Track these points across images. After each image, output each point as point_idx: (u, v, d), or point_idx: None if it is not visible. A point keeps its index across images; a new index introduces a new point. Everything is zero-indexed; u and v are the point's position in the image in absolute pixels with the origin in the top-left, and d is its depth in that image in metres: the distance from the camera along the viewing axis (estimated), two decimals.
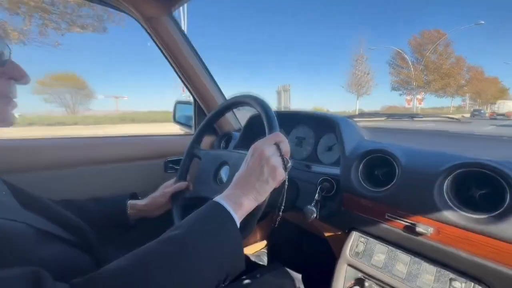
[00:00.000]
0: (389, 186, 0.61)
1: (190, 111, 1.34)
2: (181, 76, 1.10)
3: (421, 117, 0.86)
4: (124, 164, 1.05)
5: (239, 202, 0.44)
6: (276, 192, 0.50)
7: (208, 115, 0.77)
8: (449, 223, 0.50)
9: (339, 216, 0.72)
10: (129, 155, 1.07)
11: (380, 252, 0.62)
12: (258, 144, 0.48)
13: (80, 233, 0.50)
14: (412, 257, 0.57)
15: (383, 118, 1.00)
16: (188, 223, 0.41)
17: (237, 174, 0.48)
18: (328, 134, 0.89)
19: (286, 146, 0.49)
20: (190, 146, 0.78)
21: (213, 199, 0.45)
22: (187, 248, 0.37)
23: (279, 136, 0.49)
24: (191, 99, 1.27)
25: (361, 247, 0.65)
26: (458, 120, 0.80)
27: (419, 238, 0.55)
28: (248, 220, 0.48)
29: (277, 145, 0.48)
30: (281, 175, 0.47)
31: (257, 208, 0.48)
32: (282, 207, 0.52)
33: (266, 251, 1.27)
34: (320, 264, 0.86)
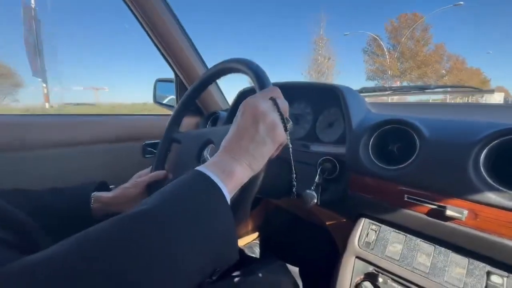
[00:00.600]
0: (409, 162, 0.50)
1: (172, 90, 1.19)
2: (158, 44, 0.95)
3: (433, 89, 0.75)
4: (95, 146, 0.91)
5: (229, 170, 0.33)
6: (275, 173, 0.39)
7: (188, 89, 0.64)
8: (491, 205, 0.40)
9: (344, 201, 0.61)
10: (100, 136, 0.92)
11: (397, 242, 0.51)
12: (249, 100, 0.37)
13: (22, 231, 0.37)
14: (437, 246, 0.47)
15: (387, 92, 0.90)
16: (158, 199, 0.29)
17: (225, 138, 0.37)
18: (328, 109, 0.78)
19: (284, 103, 0.38)
20: (167, 129, 0.66)
21: (195, 168, 0.33)
22: (156, 226, 0.26)
23: (274, 90, 0.39)
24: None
25: (372, 236, 0.54)
26: (478, 90, 0.70)
27: (448, 223, 0.44)
28: (242, 198, 0.37)
29: (274, 101, 0.37)
30: (281, 135, 0.36)
31: (253, 180, 0.37)
32: (294, 184, 0.44)
33: (258, 242, 1.17)
34: (320, 256, 0.76)
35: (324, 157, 0.66)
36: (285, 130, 0.37)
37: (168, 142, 0.66)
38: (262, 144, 0.35)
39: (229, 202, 0.31)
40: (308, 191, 0.62)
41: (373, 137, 0.57)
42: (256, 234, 1.20)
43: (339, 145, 0.68)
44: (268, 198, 0.86)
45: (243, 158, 0.34)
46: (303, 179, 0.68)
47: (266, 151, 0.35)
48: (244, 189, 0.36)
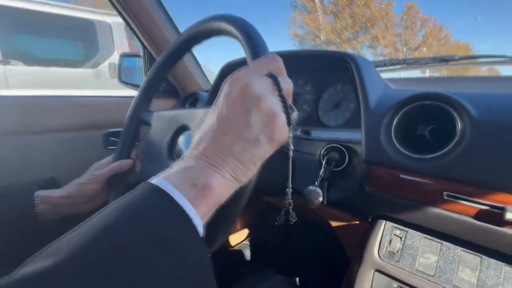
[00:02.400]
0: (447, 149, 0.39)
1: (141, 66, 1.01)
2: (119, 8, 0.76)
3: (458, 60, 0.64)
4: (44, 136, 0.73)
5: (204, 184, 0.22)
6: (269, 166, 0.28)
7: (157, 60, 0.50)
8: None
9: (358, 198, 0.49)
10: (50, 124, 0.74)
11: (430, 251, 0.41)
12: (238, 75, 0.25)
13: None
14: (485, 257, 0.37)
15: (399, 66, 0.78)
16: (83, 245, 0.18)
17: (200, 131, 0.26)
18: (334, 85, 0.65)
19: (287, 83, 0.26)
20: (134, 107, 0.52)
21: (149, 180, 0.23)
22: None
23: (274, 61, 0.27)
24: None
25: (396, 244, 0.43)
26: None
27: (506, 229, 0.34)
28: (220, 221, 0.27)
29: (274, 78, 0.25)
30: (283, 131, 0.24)
31: (239, 194, 0.26)
32: (290, 191, 0.32)
33: (248, 243, 1.05)
34: (324, 264, 0.66)
35: (329, 145, 0.54)
36: (288, 123, 0.25)
37: (134, 123, 0.53)
38: (254, 143, 0.23)
39: (202, 233, 0.21)
40: (311, 187, 0.50)
41: (396, 118, 0.45)
42: (246, 233, 1.08)
43: (348, 130, 0.57)
44: (260, 196, 0.73)
45: (225, 164, 0.23)
46: (303, 172, 0.56)
47: (259, 155, 0.24)
48: (225, 207, 0.25)
